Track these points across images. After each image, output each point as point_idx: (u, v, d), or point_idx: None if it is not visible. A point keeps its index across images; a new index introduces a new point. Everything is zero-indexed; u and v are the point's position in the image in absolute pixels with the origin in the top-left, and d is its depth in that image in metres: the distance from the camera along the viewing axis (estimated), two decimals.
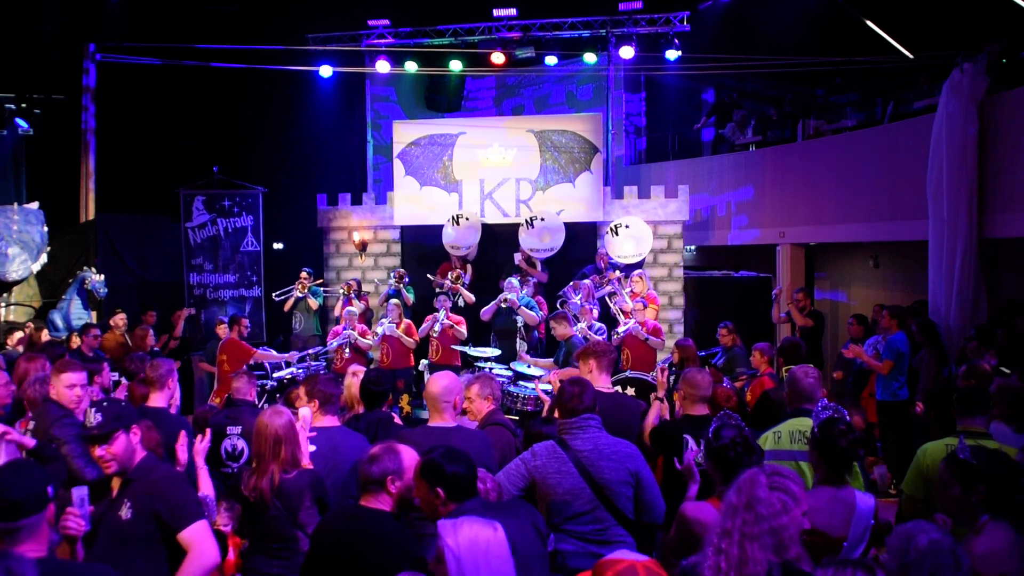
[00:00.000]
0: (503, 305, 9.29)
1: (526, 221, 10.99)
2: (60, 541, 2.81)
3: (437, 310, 9.27)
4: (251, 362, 8.44)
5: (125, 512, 3.02)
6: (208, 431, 3.93)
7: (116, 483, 3.14)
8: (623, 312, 9.00)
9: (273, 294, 10.70)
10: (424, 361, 9.36)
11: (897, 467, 7.18)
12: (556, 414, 3.66)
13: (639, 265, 10.91)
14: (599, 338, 8.71)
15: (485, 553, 2.20)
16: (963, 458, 3.02)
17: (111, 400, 3.34)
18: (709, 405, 4.45)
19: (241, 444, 4.73)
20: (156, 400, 4.65)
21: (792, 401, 4.20)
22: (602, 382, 4.62)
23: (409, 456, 3.02)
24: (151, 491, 3.03)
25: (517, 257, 10.79)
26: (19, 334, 7.98)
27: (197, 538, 2.96)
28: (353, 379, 4.93)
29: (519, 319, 9.20)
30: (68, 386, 4.27)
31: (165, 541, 3.02)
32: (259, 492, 3.43)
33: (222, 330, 9.11)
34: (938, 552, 2.26)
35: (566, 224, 11.21)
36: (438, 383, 3.92)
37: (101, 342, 8.32)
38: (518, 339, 9.23)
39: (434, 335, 9.14)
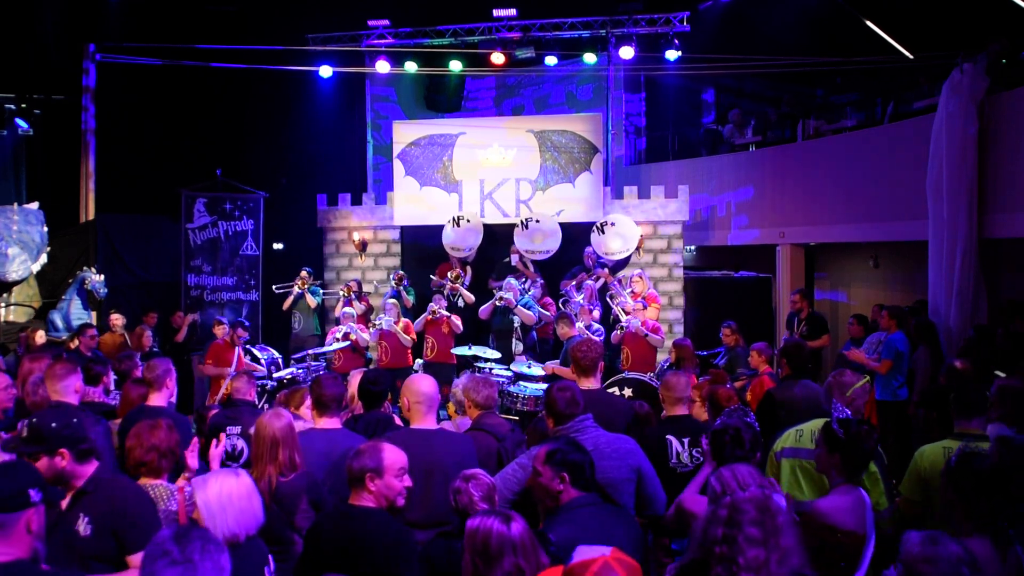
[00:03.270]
0: (498, 303, 9.28)
1: (521, 222, 10.98)
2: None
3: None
4: (235, 369, 8.44)
5: (84, 528, 2.89)
6: (223, 436, 3.91)
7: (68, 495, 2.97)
8: (624, 312, 9.01)
9: (274, 287, 10.70)
10: (420, 360, 9.32)
11: (897, 467, 7.16)
12: (550, 423, 3.65)
13: (626, 262, 10.91)
14: (597, 339, 8.73)
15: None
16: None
17: (48, 415, 3.09)
18: (689, 405, 4.52)
19: (241, 444, 4.71)
20: (156, 400, 4.65)
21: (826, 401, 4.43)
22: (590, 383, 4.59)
23: (391, 455, 3.00)
24: (113, 508, 2.91)
25: (514, 258, 10.76)
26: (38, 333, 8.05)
27: None
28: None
29: (516, 319, 9.19)
30: (76, 389, 4.37)
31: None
32: None
33: (220, 331, 9.12)
34: (960, 561, 2.23)
35: (566, 224, 11.18)
36: (422, 384, 3.86)
37: (99, 342, 8.32)
38: (514, 339, 9.22)
39: (433, 316, 9.12)
